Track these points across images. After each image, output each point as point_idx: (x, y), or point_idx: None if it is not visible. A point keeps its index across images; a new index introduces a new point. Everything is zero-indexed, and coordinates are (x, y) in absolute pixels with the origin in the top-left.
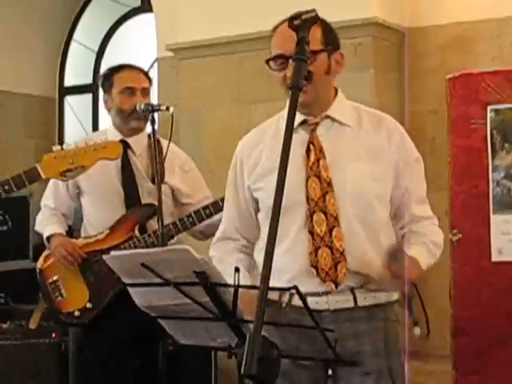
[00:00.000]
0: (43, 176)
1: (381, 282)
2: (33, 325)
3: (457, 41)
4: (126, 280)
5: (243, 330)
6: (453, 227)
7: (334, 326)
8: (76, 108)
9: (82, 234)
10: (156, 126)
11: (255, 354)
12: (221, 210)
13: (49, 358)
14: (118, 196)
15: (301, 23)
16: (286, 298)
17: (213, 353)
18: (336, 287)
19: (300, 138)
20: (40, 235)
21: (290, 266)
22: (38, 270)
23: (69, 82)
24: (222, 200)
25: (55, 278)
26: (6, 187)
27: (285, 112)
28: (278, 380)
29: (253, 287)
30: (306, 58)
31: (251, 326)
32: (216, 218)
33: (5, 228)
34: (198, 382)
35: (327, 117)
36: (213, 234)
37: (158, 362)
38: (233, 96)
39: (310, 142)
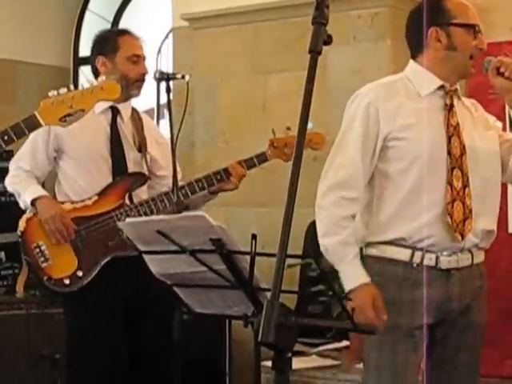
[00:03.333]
0: (43, 123)
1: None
2: (20, 288)
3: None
4: (141, 247)
5: (260, 299)
6: None
7: (459, 284)
8: (91, 78)
9: (58, 198)
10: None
11: (272, 322)
12: (231, 175)
13: (62, 328)
14: (106, 162)
15: None
16: (417, 258)
17: (227, 323)
18: (462, 239)
19: (438, 99)
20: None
21: (426, 212)
22: (19, 233)
23: (83, 52)
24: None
25: (40, 242)
26: (6, 137)
27: (405, 75)
28: (402, 341)
29: (270, 255)
30: (325, 22)
31: (268, 294)
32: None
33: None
34: (212, 352)
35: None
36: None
37: (173, 332)
38: (248, 66)
39: (452, 105)
